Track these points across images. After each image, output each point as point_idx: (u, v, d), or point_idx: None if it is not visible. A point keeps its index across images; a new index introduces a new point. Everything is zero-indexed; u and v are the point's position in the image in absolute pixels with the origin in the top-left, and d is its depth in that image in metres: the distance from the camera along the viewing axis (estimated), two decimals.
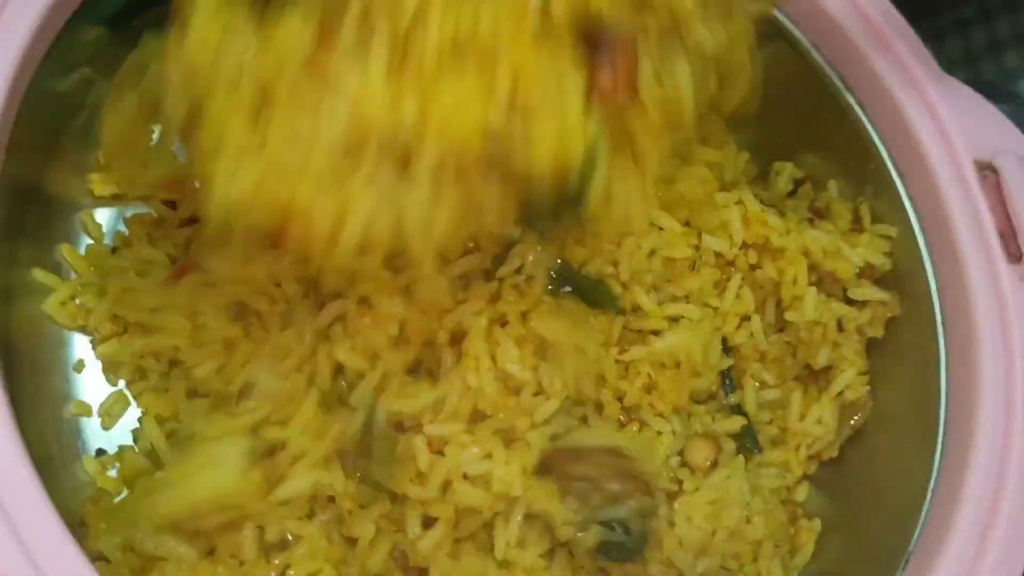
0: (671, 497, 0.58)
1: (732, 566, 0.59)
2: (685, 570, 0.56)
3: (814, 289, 0.64)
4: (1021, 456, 0.56)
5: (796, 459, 0.65)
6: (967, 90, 0.65)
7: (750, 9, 0.55)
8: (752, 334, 0.64)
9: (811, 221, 0.65)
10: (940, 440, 0.60)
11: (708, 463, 0.60)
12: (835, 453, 0.66)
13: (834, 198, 0.68)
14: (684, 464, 0.60)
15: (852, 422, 0.66)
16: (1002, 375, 0.58)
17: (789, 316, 0.64)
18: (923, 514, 0.58)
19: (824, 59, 0.67)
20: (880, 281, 0.66)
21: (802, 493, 0.66)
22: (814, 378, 0.66)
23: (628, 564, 0.56)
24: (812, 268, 0.64)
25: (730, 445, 0.62)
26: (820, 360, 0.65)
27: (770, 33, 0.68)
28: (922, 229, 0.64)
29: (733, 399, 0.64)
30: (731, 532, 0.58)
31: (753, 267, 0.64)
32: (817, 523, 0.65)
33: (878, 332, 0.66)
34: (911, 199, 0.65)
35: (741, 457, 0.61)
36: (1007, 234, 0.61)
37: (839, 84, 0.67)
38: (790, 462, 0.65)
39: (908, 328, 0.65)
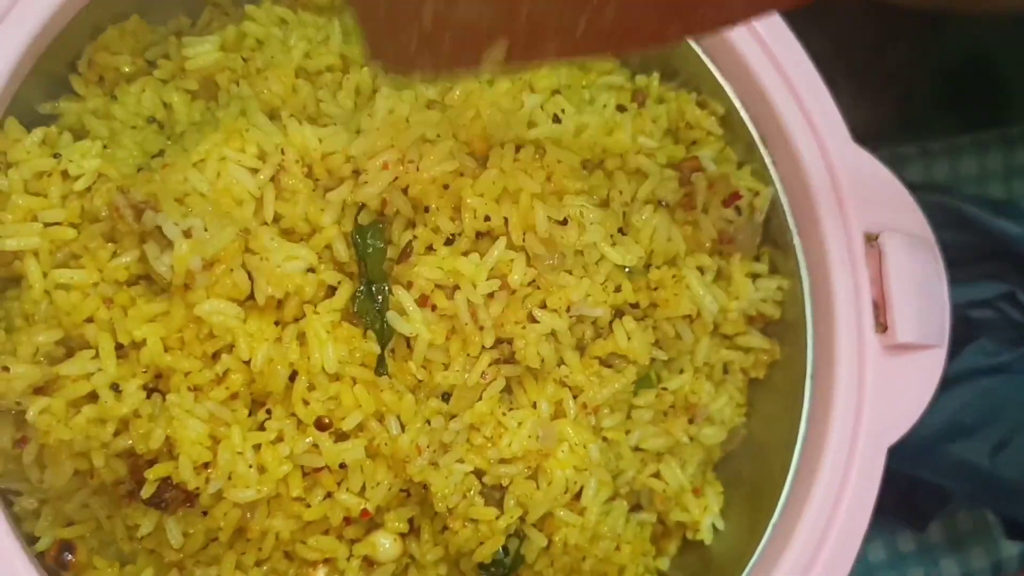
0: (553, 529, 0.63)
1: None
2: None
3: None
4: (852, 495, 0.65)
5: None
6: (871, 160, 0.71)
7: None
8: None
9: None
10: (792, 474, 0.68)
11: None
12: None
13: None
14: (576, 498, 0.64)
15: (727, 448, 0.75)
16: (850, 428, 0.66)
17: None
18: (769, 529, 0.68)
19: (748, 114, 0.73)
20: (767, 328, 0.73)
21: None
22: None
23: None
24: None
25: None
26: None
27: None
28: (811, 289, 0.71)
29: None
30: (599, 559, 0.65)
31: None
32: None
33: (759, 374, 0.74)
34: (806, 261, 0.72)
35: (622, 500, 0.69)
36: (880, 305, 0.69)
37: (758, 140, 0.73)
38: None
39: (784, 372, 0.73)
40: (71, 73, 0.65)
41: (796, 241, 0.72)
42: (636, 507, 0.71)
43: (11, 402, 0.54)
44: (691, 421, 0.69)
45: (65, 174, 0.56)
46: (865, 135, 0.70)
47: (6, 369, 0.53)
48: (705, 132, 0.73)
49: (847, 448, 0.66)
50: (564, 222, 0.58)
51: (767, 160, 0.73)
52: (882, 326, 0.68)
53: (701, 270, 0.69)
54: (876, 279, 0.69)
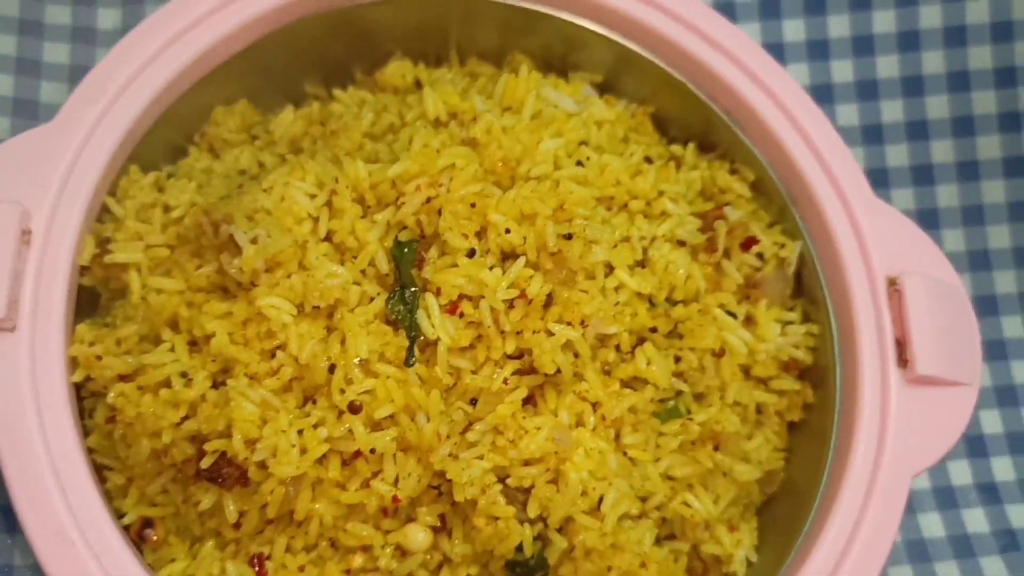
0: (575, 532, 0.67)
1: None
2: None
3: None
4: (873, 519, 0.68)
5: None
6: (893, 212, 0.76)
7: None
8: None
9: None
10: (817, 501, 0.71)
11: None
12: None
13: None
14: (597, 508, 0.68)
15: (766, 491, 0.77)
16: (872, 456, 0.69)
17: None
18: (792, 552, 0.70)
19: (777, 177, 0.79)
20: (803, 373, 0.77)
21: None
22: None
23: None
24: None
25: None
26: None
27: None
28: (838, 332, 0.75)
29: None
30: (624, 572, 0.67)
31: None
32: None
33: (795, 416, 0.76)
34: (833, 307, 0.75)
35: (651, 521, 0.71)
36: (902, 342, 0.71)
37: (788, 201, 0.79)
38: None
39: (819, 415, 0.75)
40: (189, 144, 0.79)
41: (824, 289, 0.76)
42: (671, 536, 0.73)
43: (102, 387, 0.65)
44: (716, 448, 0.72)
45: (166, 206, 0.69)
46: None
47: (99, 358, 0.65)
48: (736, 195, 0.80)
49: (868, 475, 0.68)
50: (569, 237, 0.65)
51: (797, 218, 0.78)
52: (904, 361, 0.71)
53: (727, 311, 0.74)
54: (898, 319, 0.72)
